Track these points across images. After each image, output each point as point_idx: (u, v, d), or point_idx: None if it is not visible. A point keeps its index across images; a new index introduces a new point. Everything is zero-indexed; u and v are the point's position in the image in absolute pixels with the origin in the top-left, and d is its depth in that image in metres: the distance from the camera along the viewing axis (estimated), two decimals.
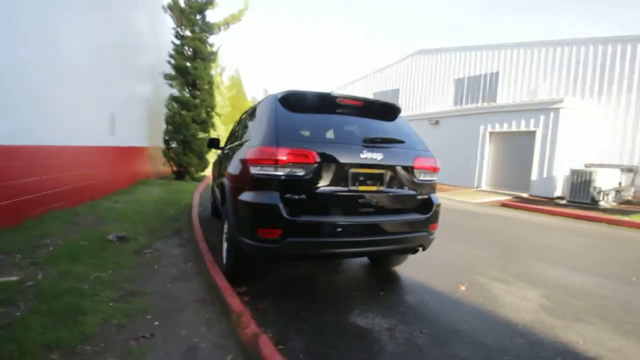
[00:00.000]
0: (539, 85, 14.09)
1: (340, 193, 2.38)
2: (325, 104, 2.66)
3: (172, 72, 8.92)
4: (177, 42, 9.10)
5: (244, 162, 2.45)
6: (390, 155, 2.53)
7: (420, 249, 2.77)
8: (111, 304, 2.27)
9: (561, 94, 13.06)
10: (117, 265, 3.02)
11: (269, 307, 2.49)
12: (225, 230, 2.99)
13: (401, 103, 20.03)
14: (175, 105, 8.90)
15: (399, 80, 20.06)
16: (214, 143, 4.81)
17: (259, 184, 2.30)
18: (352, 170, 2.41)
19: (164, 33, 9.41)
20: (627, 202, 9.61)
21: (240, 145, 2.93)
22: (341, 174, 2.39)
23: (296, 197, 2.28)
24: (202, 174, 10.34)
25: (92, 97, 5.76)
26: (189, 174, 9.59)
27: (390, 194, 2.56)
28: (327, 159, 2.33)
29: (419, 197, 2.71)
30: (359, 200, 2.44)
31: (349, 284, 3.16)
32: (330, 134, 2.53)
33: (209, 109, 9.52)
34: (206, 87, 9.50)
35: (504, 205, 8.95)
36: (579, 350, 2.16)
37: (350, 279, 3.29)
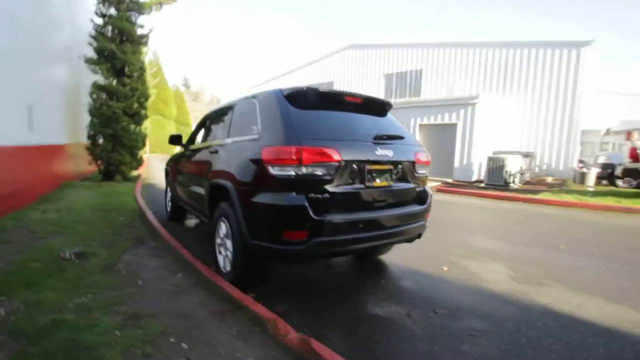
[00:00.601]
0: (455, 82, 15.96)
1: (358, 190, 2.44)
2: (329, 101, 2.65)
3: (95, 55, 7.69)
4: (99, 21, 7.86)
5: (258, 162, 2.33)
6: (397, 152, 2.66)
7: (418, 237, 3.00)
8: (118, 332, 1.97)
9: (474, 90, 14.97)
10: (93, 287, 2.60)
11: (289, 309, 2.44)
12: (223, 234, 2.80)
13: None
14: (101, 94, 7.73)
15: (334, 73, 20.57)
16: (177, 140, 4.38)
17: (280, 184, 2.22)
18: (368, 167, 2.48)
19: (81, 9, 8.03)
20: (528, 183, 11.56)
21: (221, 145, 2.81)
22: (359, 172, 2.44)
23: (320, 196, 2.27)
24: (136, 172, 9.25)
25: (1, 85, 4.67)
26: (120, 174, 8.49)
27: (398, 188, 2.71)
28: (348, 158, 2.36)
29: (418, 189, 2.91)
30: (374, 196, 2.53)
31: (347, 277, 3.25)
32: (343, 132, 2.54)
33: (142, 99, 8.51)
34: (136, 74, 8.44)
35: (439, 190, 10.01)
36: (555, 309, 2.62)
37: (345, 272, 3.38)
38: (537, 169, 13.71)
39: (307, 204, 2.18)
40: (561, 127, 13.38)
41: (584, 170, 10.50)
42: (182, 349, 1.86)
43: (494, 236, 4.88)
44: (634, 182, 9.10)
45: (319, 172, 2.24)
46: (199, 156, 3.64)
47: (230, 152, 2.76)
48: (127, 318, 2.15)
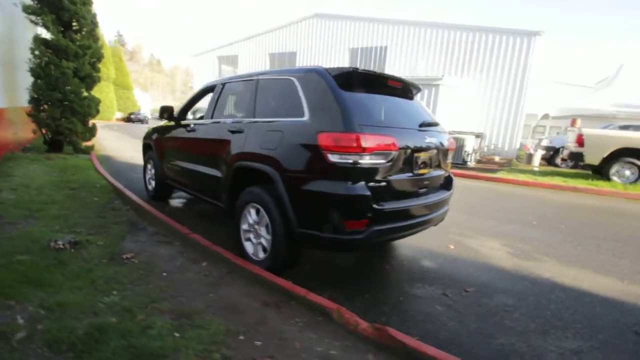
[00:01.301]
0: (418, 61, 16.40)
1: (409, 178, 2.44)
2: (373, 84, 2.55)
3: (36, 3, 6.38)
4: None
5: (313, 148, 2.19)
6: (437, 139, 2.69)
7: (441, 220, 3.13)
8: (177, 334, 1.80)
9: (435, 70, 15.56)
10: (113, 282, 2.31)
11: (334, 295, 2.43)
12: (253, 220, 2.65)
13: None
14: (46, 51, 6.52)
15: (297, 43, 19.74)
16: (168, 112, 3.93)
17: (340, 173, 2.13)
18: (416, 154, 2.47)
19: None
20: (479, 162, 12.60)
21: (248, 124, 2.67)
22: (410, 159, 2.43)
23: (378, 184, 2.23)
24: (89, 143, 8.17)
25: None
26: (71, 144, 7.44)
27: (436, 175, 2.77)
28: (402, 145, 2.33)
29: (446, 175, 3.00)
30: (419, 183, 2.56)
31: (366, 260, 3.31)
32: (392, 118, 2.47)
33: (94, 60, 7.38)
34: (87, 29, 7.24)
35: None
36: (559, 282, 2.96)
37: (362, 255, 3.44)
38: (485, 149, 14.97)
39: (369, 193, 2.13)
40: (509, 111, 14.59)
41: (531, 151, 11.70)
42: (258, 347, 1.76)
43: (475, 214, 5.29)
44: (571, 164, 10.42)
45: (378, 160, 2.19)
46: (207, 134, 3.31)
47: (266, 134, 2.53)
48: (178, 317, 1.96)
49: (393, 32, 16.81)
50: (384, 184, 2.25)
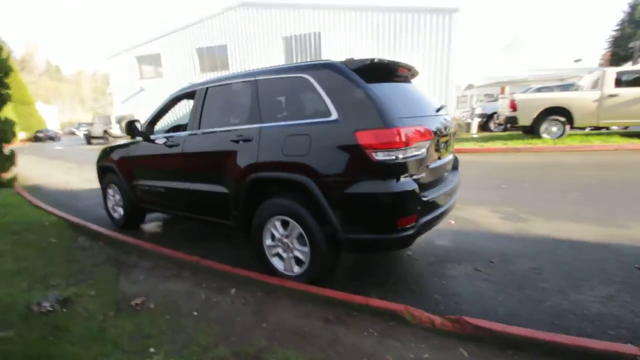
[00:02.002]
0: (352, 46, 16.67)
1: (439, 164, 2.45)
2: (387, 73, 2.47)
3: None
4: None
5: (352, 149, 2.05)
6: (449, 122, 2.72)
7: None
8: None
9: (369, 53, 15.98)
10: (142, 338, 1.95)
11: (381, 294, 2.37)
12: (280, 234, 2.45)
13: (230, 61, 18.97)
14: None
15: (226, 35, 18.64)
16: (133, 127, 3.41)
17: (386, 171, 2.03)
18: (440, 140, 2.48)
19: None
20: None
21: (255, 130, 2.46)
22: (437, 146, 2.43)
23: (420, 176, 2.19)
24: (9, 175, 6.80)
25: None
26: None
27: (451, 157, 2.82)
28: (435, 134, 2.31)
29: (455, 156, 3.09)
30: (445, 167, 2.59)
31: (385, 253, 3.29)
32: (415, 106, 2.42)
33: (1, 74, 6.10)
34: None
35: None
36: (557, 237, 3.26)
37: None
38: None
39: (417, 186, 2.08)
40: (440, 85, 15.66)
41: (469, 120, 12.79)
42: None
43: None
44: (502, 126, 11.66)
45: (419, 152, 2.14)
46: (199, 147, 2.92)
47: (287, 140, 2.30)
48: (251, 358, 1.73)
49: (326, 18, 16.78)
50: (423, 174, 2.22)
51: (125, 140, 3.98)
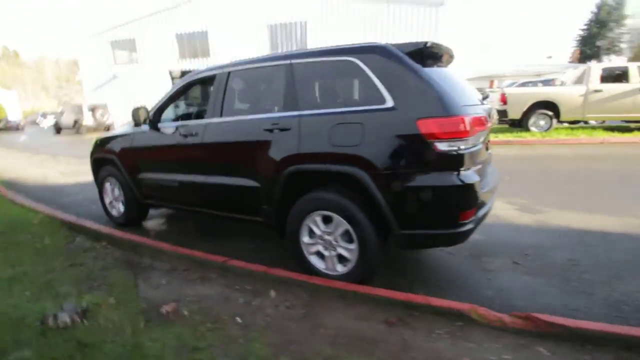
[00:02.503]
0: (338, 37, 16.41)
1: (488, 155, 2.36)
2: (436, 58, 2.33)
3: None
4: None
5: (414, 138, 1.91)
6: (492, 113, 2.63)
7: None
8: None
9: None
10: (190, 351, 1.74)
11: (430, 292, 2.27)
12: (322, 230, 2.28)
13: (212, 48, 18.21)
14: None
15: (208, 20, 17.82)
16: (141, 115, 3.09)
17: (450, 162, 1.91)
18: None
19: None
20: None
21: (292, 118, 2.26)
22: (486, 136, 2.33)
23: (477, 167, 2.08)
24: None
25: None
26: None
27: (491, 150, 2.74)
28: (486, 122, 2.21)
29: None
30: (488, 160, 2.50)
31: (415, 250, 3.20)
32: (465, 94, 2.29)
33: None
34: None
35: None
36: (578, 228, 3.28)
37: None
38: None
39: (478, 178, 1.98)
40: None
41: None
42: None
43: None
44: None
45: (477, 141, 2.04)
46: (223, 136, 2.67)
47: (335, 129, 2.11)
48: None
49: (313, 6, 16.38)
50: (479, 165, 2.12)
51: (126, 128, 3.63)
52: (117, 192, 3.73)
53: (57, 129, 18.40)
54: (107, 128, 18.21)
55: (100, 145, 3.82)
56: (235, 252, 3.03)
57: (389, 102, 2.00)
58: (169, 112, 3.34)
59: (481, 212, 2.12)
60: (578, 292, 2.25)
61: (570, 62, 36.12)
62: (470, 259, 2.78)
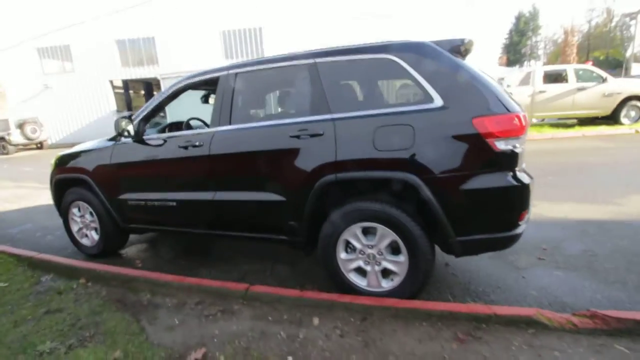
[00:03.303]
0: (295, 44, 16.36)
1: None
2: (466, 53, 2.25)
3: None
4: None
5: (472, 138, 1.79)
6: None
7: None
8: None
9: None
10: None
11: (477, 299, 2.18)
12: (364, 244, 2.08)
13: (161, 56, 17.07)
14: None
15: (155, 26, 16.66)
16: (122, 126, 2.64)
17: (507, 161, 1.84)
18: None
19: None
20: None
21: (324, 122, 2.06)
22: None
23: (524, 165, 2.03)
24: None
25: None
26: None
27: None
28: None
29: None
30: None
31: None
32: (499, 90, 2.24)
33: None
34: None
35: None
36: (580, 219, 3.43)
37: None
38: None
39: (531, 178, 1.92)
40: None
41: None
42: None
43: None
44: None
45: (525, 139, 1.98)
46: (236, 146, 2.33)
47: (379, 132, 1.91)
48: None
49: (269, 13, 16.11)
50: (524, 164, 2.08)
51: (99, 142, 3.10)
52: (88, 217, 3.16)
53: None
54: (40, 145, 16.12)
55: (63, 163, 3.22)
56: (245, 276, 2.71)
57: (438, 101, 1.87)
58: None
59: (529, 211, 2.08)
60: (611, 283, 2.30)
61: (499, 66, 40.00)
62: (495, 259, 2.76)
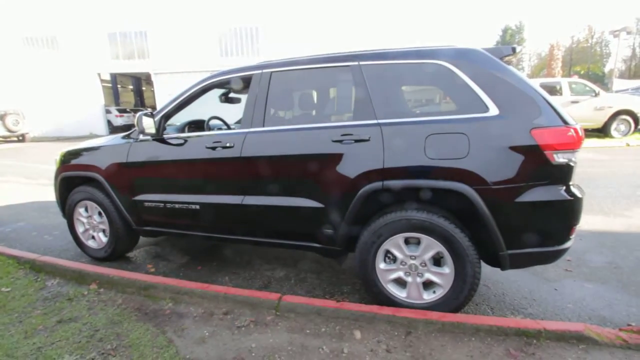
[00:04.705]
0: (293, 45, 16.28)
1: None
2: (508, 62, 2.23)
3: None
4: None
5: (530, 150, 1.76)
6: None
7: None
8: None
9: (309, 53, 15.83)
10: None
11: (517, 312, 2.14)
12: (406, 254, 2.01)
13: (153, 51, 16.65)
14: None
15: (149, 22, 16.22)
16: (143, 123, 2.49)
17: (563, 174, 1.81)
18: None
19: None
20: None
21: (370, 127, 2.00)
22: None
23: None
24: None
25: None
26: None
27: None
28: None
29: None
30: None
31: None
32: None
33: None
34: None
35: None
36: (594, 230, 3.47)
37: None
38: None
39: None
40: None
41: None
42: None
43: None
44: None
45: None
46: (271, 149, 2.21)
47: (430, 140, 1.85)
48: None
49: (264, 12, 15.97)
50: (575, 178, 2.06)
51: (113, 138, 2.93)
52: (96, 218, 2.97)
53: None
54: (22, 137, 15.40)
55: (71, 160, 3.02)
56: (270, 284, 2.61)
57: (493, 110, 1.83)
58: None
59: None
60: (627, 289, 2.31)
61: None
62: (522, 270, 2.73)
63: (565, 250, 1.89)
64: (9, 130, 14.57)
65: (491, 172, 1.79)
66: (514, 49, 1.96)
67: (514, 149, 1.78)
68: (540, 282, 2.54)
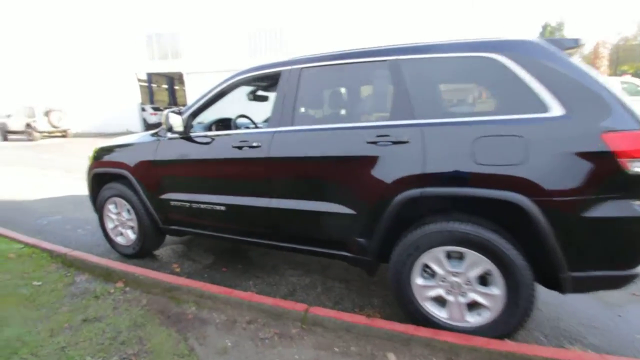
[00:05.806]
0: (320, 45, 16.15)
1: None
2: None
3: None
4: None
5: (600, 157, 1.50)
6: None
7: None
8: None
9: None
10: None
11: (574, 341, 1.87)
12: (448, 270, 1.80)
13: (185, 51, 17.13)
14: None
15: (179, 21, 16.71)
16: (172, 121, 2.43)
17: (635, 186, 1.53)
18: None
19: None
20: None
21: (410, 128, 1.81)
22: None
23: None
24: None
25: None
26: None
27: None
28: None
29: None
30: None
31: None
32: None
33: None
34: None
35: None
36: None
37: None
38: None
39: None
40: None
41: None
42: None
43: None
44: None
45: None
46: (300, 150, 2.08)
47: (476, 144, 1.65)
48: None
49: (287, 14, 15.96)
50: None
51: (141, 136, 2.92)
52: (125, 215, 2.97)
53: (4, 133, 16.14)
54: (64, 133, 16.35)
55: (103, 156, 3.05)
56: (295, 292, 2.47)
57: (556, 110, 1.58)
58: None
59: None
60: None
61: None
62: (579, 295, 2.43)
63: (635, 276, 1.61)
64: (53, 126, 15.51)
65: (553, 182, 1.55)
66: (577, 41, 1.70)
67: (581, 155, 1.52)
68: (600, 307, 2.23)
